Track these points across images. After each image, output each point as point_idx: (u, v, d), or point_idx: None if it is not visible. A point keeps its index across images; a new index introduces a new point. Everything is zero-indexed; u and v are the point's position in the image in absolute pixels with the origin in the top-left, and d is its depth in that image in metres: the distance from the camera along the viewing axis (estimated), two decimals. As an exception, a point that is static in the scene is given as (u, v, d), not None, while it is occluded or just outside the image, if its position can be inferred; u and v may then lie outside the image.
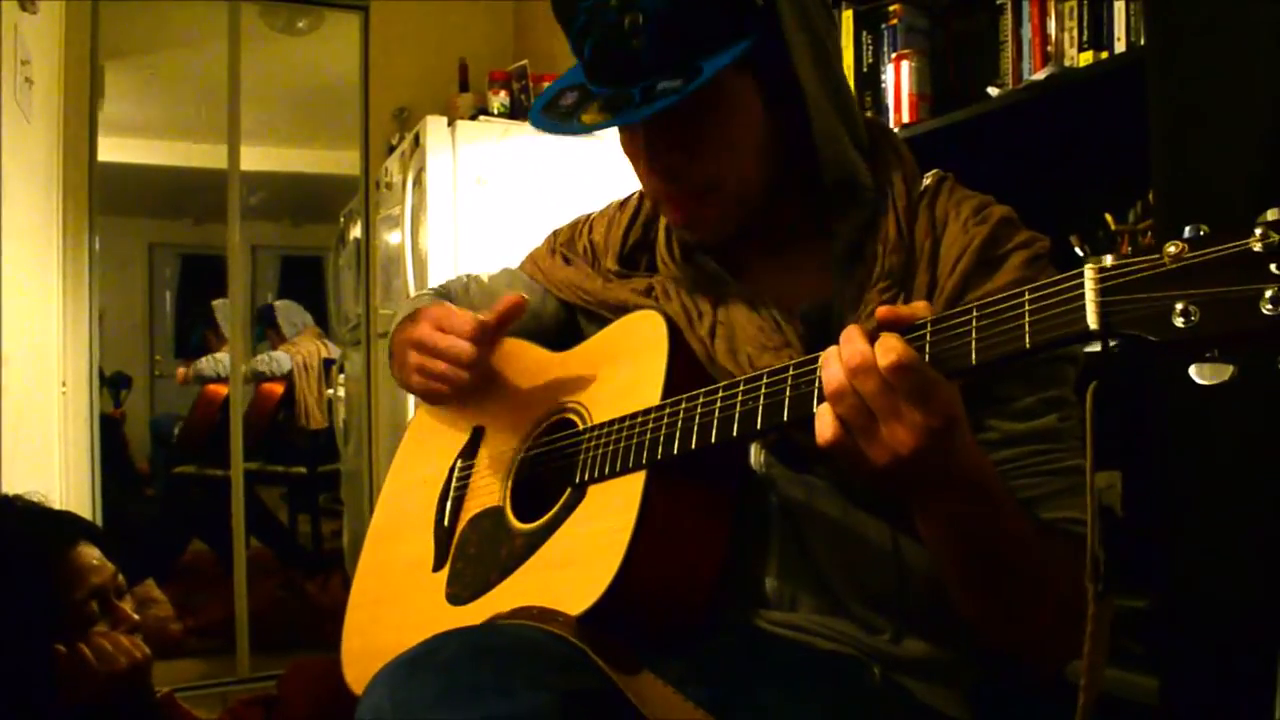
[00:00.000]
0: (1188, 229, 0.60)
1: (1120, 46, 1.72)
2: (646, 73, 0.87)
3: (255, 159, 4.44)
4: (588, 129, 0.91)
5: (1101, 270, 0.63)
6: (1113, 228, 1.84)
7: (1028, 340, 0.66)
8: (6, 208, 2.34)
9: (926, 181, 0.99)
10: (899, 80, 2.11)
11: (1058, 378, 0.90)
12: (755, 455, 0.95)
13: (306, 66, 4.47)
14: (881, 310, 0.74)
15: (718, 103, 0.90)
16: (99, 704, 1.27)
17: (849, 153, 0.95)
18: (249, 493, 3.75)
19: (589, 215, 1.22)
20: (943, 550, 0.83)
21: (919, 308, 0.74)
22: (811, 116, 0.92)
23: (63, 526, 1.40)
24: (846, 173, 0.95)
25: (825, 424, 0.73)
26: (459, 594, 1.02)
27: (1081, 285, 0.63)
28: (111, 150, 4.09)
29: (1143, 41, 1.62)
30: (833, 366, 0.72)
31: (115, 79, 4.12)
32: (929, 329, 0.72)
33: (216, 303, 4.96)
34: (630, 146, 0.97)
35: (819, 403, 0.75)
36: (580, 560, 0.90)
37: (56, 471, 3.08)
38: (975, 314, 0.70)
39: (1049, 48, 1.85)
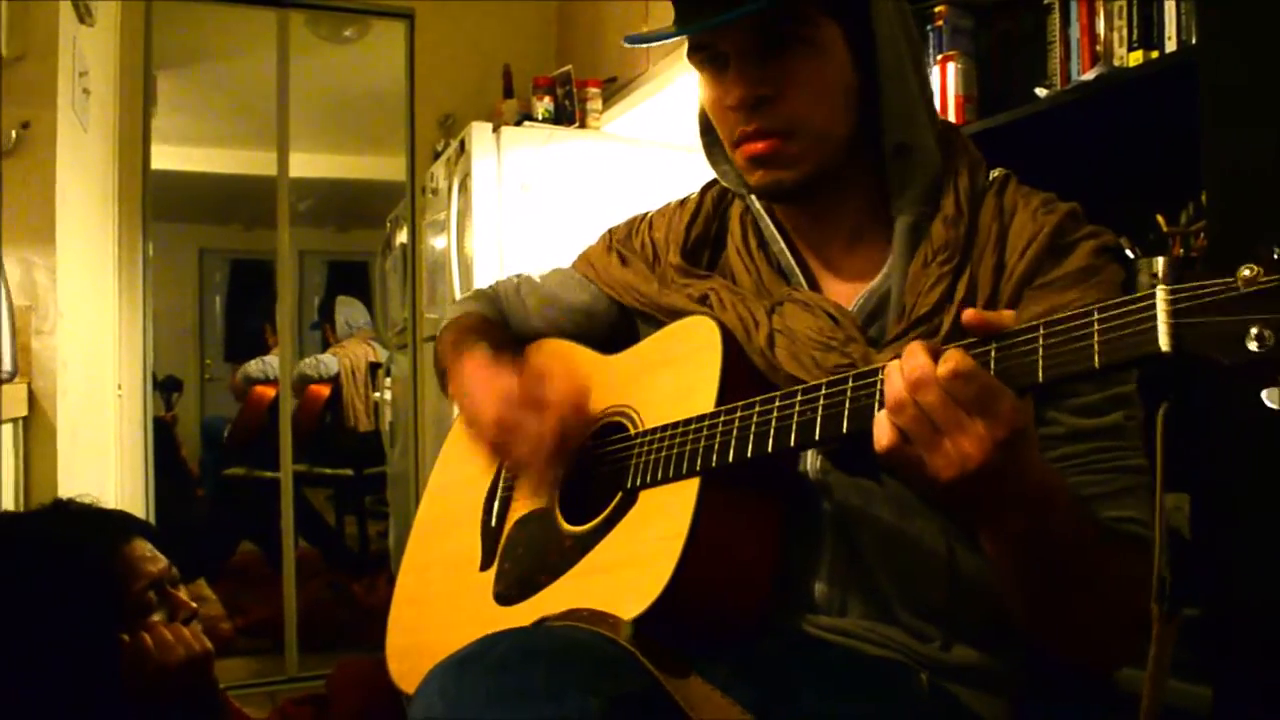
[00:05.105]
0: (1260, 251, 0.60)
1: (1171, 46, 1.70)
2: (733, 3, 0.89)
3: (303, 166, 4.49)
4: (688, 30, 0.94)
5: (1174, 291, 0.63)
6: (1164, 229, 1.81)
7: (1097, 360, 0.67)
8: (66, 215, 2.40)
9: (995, 174, 0.99)
10: (945, 82, 2.08)
11: (1124, 375, 0.90)
12: (810, 460, 0.95)
13: (353, 74, 4.52)
14: (968, 313, 0.73)
15: (810, 43, 0.92)
16: (165, 696, 1.30)
17: (918, 114, 0.96)
18: (297, 494, 3.80)
19: (646, 214, 1.21)
20: (1005, 564, 0.82)
21: (1005, 316, 0.73)
22: (882, 66, 0.95)
23: (117, 523, 1.44)
24: (910, 137, 0.96)
25: (883, 431, 0.73)
26: (507, 594, 1.02)
27: (1153, 306, 0.63)
28: (164, 158, 4.16)
29: (1194, 40, 1.60)
30: (894, 378, 0.73)
31: (167, 89, 4.20)
32: (993, 346, 0.72)
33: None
34: (718, 86, 0.97)
35: (880, 410, 0.75)
36: (633, 565, 0.90)
37: (112, 473, 3.14)
38: (1043, 331, 0.70)
39: (1098, 47, 1.83)
